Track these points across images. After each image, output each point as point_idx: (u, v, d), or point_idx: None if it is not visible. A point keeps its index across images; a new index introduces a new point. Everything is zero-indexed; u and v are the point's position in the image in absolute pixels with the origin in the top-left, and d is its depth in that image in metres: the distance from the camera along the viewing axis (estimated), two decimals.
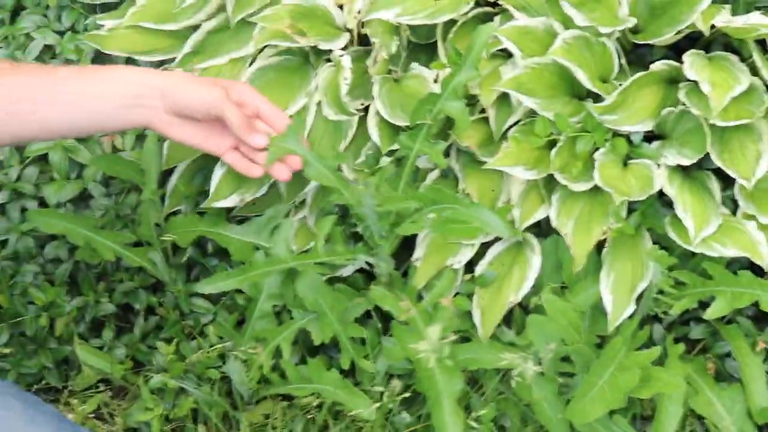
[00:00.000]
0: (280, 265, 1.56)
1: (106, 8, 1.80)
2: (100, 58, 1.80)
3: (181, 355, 1.66)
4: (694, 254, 1.50)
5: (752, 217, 1.48)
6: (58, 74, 1.40)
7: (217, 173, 1.62)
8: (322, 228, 1.56)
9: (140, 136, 1.75)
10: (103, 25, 1.73)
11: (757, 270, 1.48)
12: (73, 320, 1.71)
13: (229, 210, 1.68)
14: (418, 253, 1.58)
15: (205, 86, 1.42)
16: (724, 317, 1.55)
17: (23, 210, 1.75)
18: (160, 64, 1.72)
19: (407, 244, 1.59)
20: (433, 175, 1.61)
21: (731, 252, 1.45)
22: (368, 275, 1.64)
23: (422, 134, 1.50)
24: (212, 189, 1.62)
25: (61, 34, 1.83)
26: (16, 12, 1.88)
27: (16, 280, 1.72)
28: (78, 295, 1.72)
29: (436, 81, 1.56)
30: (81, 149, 1.73)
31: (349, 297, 1.60)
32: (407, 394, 1.56)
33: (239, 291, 1.66)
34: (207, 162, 1.65)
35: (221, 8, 1.66)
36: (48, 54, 1.81)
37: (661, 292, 1.49)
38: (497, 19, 1.56)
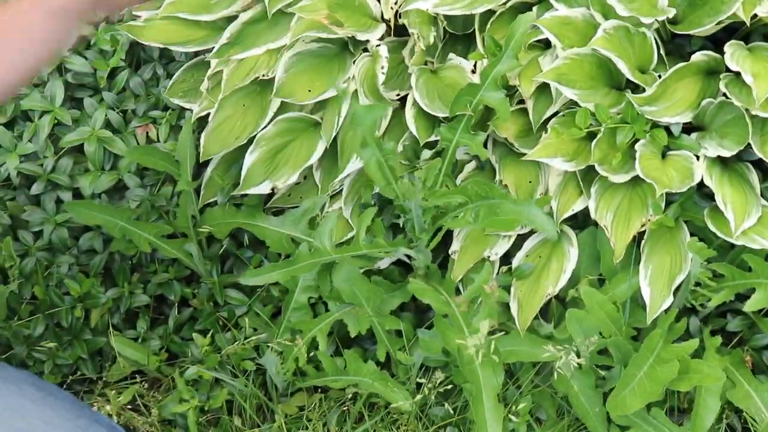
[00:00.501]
0: (324, 257, 1.56)
1: None
2: (135, 48, 1.80)
3: (216, 347, 1.66)
4: (732, 246, 1.49)
5: None
6: None
7: (248, 159, 1.63)
8: (363, 220, 1.56)
9: (175, 128, 1.75)
10: (138, 16, 1.73)
11: None
12: (108, 311, 1.71)
13: (265, 201, 1.68)
14: (456, 245, 1.58)
15: None
16: (762, 309, 1.54)
17: (58, 201, 1.75)
18: (195, 55, 1.73)
19: (443, 237, 1.58)
20: (470, 166, 1.61)
21: None
22: (405, 267, 1.64)
23: (462, 125, 1.50)
24: (243, 175, 1.63)
25: (96, 26, 1.82)
26: None
27: (51, 271, 1.72)
28: (113, 286, 1.73)
29: (474, 71, 1.56)
30: (116, 140, 1.73)
31: (386, 289, 1.59)
32: (448, 387, 1.56)
33: (274, 283, 1.66)
34: (243, 154, 1.64)
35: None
36: (83, 46, 1.81)
37: (698, 284, 1.49)
38: (535, 9, 1.55)
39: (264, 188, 1.63)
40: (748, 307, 1.47)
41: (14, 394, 1.11)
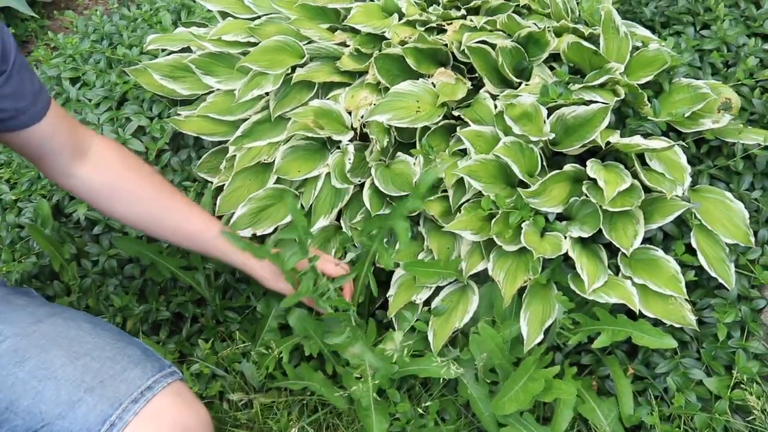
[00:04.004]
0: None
1: (184, 102, 1.82)
2: (177, 136, 1.82)
3: (215, 351, 1.64)
4: (587, 302, 1.50)
5: (629, 278, 1.49)
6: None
7: (239, 212, 1.61)
8: None
9: (200, 194, 1.75)
10: (180, 114, 1.75)
11: (630, 315, 1.48)
12: (140, 320, 1.69)
13: None
14: (392, 291, 1.57)
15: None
16: (605, 348, 1.55)
17: (111, 240, 1.74)
18: (218, 144, 1.74)
19: (383, 284, 1.58)
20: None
21: (613, 300, 1.45)
22: None
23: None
24: (233, 220, 1.61)
25: (151, 119, 1.85)
26: (121, 102, 1.91)
27: (102, 289, 1.71)
28: (144, 303, 1.71)
29: (415, 164, 1.57)
30: None
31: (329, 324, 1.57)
32: None
33: (256, 308, 1.66)
34: None
35: (265, 107, 1.68)
36: (140, 132, 1.83)
37: (562, 327, 1.49)
38: (458, 129, 1.58)
39: (247, 233, 1.60)
40: (596, 345, 1.47)
41: (73, 328, 1.12)
